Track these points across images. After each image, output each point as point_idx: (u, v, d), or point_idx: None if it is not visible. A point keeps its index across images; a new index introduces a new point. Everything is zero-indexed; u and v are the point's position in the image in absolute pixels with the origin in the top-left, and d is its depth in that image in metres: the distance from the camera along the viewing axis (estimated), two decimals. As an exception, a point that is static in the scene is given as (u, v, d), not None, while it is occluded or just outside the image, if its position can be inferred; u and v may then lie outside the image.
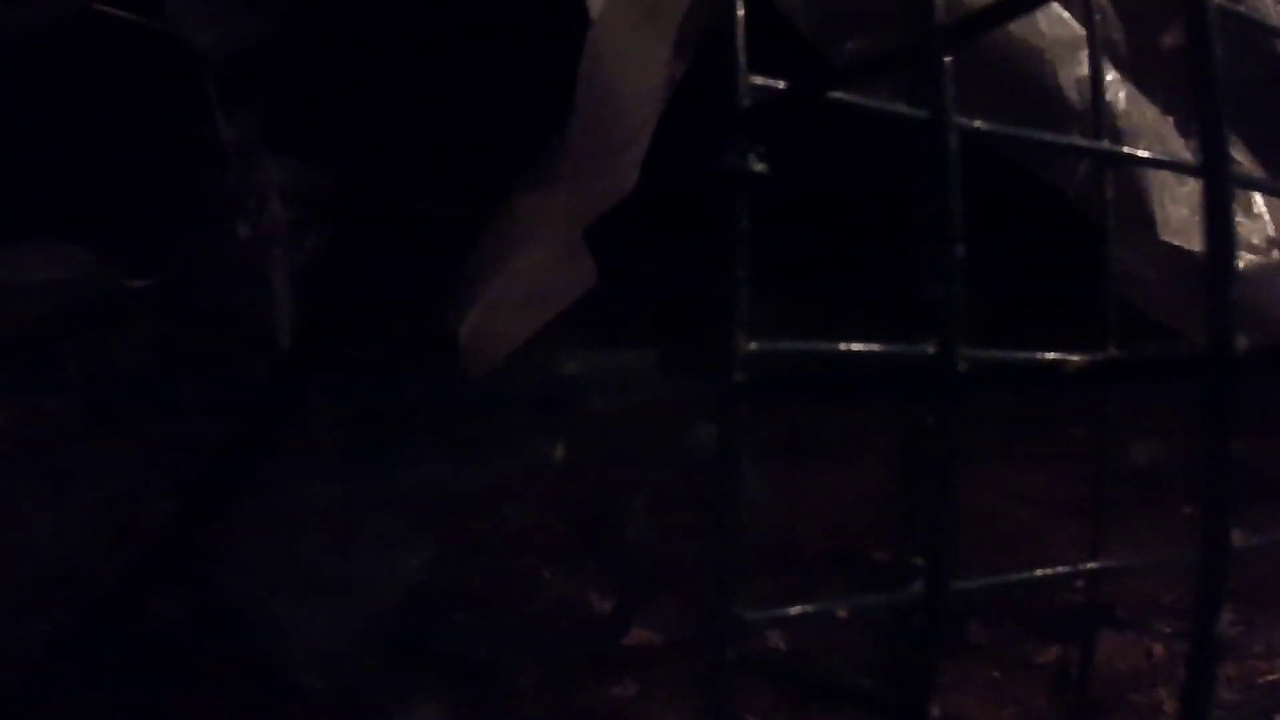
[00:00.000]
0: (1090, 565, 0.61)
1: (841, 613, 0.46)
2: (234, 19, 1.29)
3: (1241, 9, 0.56)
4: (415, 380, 1.34)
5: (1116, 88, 0.95)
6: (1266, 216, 0.96)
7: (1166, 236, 0.94)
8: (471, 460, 1.33)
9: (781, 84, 0.43)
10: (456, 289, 1.24)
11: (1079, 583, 0.64)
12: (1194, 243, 0.93)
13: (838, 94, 0.43)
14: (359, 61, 1.27)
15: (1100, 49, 0.68)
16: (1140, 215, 0.93)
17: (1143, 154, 0.91)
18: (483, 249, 1.25)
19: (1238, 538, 0.31)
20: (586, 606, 1.24)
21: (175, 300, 1.35)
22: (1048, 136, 0.53)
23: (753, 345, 0.42)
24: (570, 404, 1.39)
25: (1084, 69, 0.92)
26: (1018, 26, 0.95)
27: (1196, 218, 0.93)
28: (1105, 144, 0.64)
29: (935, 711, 0.35)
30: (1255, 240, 0.94)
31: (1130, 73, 0.98)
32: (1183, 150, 0.96)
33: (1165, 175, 0.95)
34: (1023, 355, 0.42)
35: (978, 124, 0.43)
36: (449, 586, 1.22)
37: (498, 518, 1.34)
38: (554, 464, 1.36)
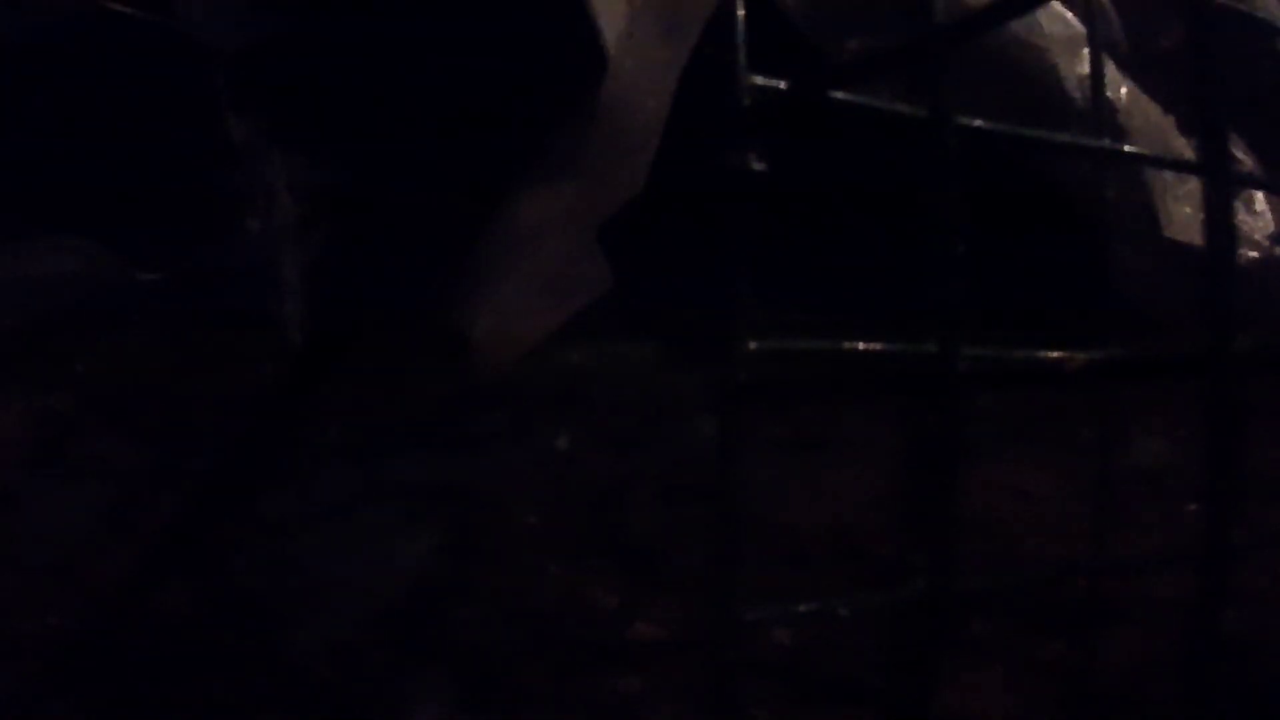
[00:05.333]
0: (1092, 562, 0.61)
1: (844, 610, 0.47)
2: (243, 16, 1.29)
3: (1242, 9, 0.56)
4: (423, 373, 1.34)
5: (1117, 86, 0.96)
6: (1268, 214, 0.96)
7: (1168, 234, 0.94)
8: (476, 453, 1.33)
9: (782, 84, 0.43)
10: (464, 289, 1.24)
11: (1081, 579, 0.64)
12: (1195, 240, 0.93)
13: (838, 94, 0.43)
14: (368, 57, 1.28)
15: (1101, 48, 0.68)
16: (1141, 213, 0.94)
17: (1144, 152, 0.91)
18: (489, 249, 1.25)
19: (1239, 536, 0.31)
20: (591, 600, 1.24)
21: (185, 295, 1.35)
22: (1049, 136, 0.53)
23: (755, 344, 0.42)
24: (575, 396, 1.39)
25: (1085, 68, 0.92)
26: (1019, 26, 0.95)
27: (1198, 216, 0.93)
28: (1106, 143, 0.64)
29: (937, 707, 0.35)
30: (1257, 237, 0.95)
31: (1131, 71, 0.98)
32: (1184, 149, 0.97)
33: (1166, 173, 0.95)
34: (1024, 354, 0.42)
35: (978, 124, 0.43)
36: (454, 579, 1.22)
37: (502, 511, 1.34)
38: (559, 457, 1.36)
